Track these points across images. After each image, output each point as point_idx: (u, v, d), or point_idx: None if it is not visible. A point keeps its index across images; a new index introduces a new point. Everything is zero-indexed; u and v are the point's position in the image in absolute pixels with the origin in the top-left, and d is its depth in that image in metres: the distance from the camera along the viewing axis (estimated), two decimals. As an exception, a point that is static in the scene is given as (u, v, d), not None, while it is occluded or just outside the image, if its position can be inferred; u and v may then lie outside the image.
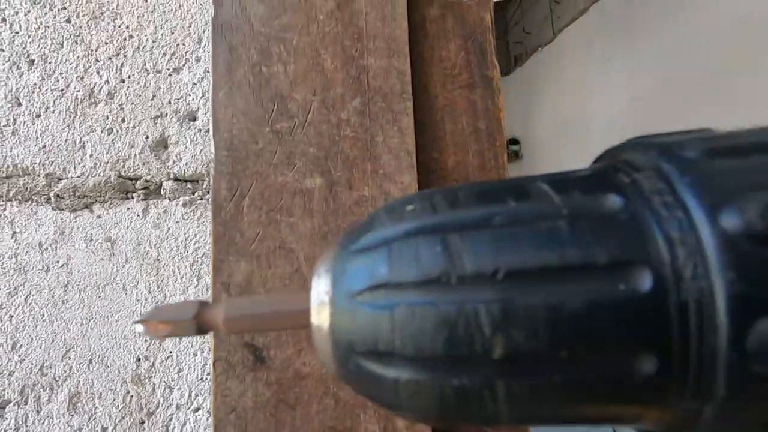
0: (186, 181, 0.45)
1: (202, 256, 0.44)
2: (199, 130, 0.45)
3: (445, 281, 0.12)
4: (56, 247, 0.41)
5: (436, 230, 0.13)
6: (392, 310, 0.13)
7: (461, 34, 0.32)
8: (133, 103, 0.44)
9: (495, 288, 0.12)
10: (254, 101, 0.31)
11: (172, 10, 0.46)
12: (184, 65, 0.45)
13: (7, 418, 0.39)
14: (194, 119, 0.45)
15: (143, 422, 0.41)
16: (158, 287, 0.43)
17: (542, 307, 0.12)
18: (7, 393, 0.39)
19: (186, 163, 0.45)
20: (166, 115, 0.45)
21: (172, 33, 0.46)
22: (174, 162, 0.45)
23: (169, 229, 0.44)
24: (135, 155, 0.44)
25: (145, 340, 0.42)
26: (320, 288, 0.14)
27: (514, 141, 3.06)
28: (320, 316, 0.14)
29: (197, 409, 0.42)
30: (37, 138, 0.42)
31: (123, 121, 0.44)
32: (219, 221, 0.30)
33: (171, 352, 0.42)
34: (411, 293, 0.13)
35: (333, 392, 0.29)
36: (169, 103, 0.45)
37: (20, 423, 0.39)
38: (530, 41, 3.07)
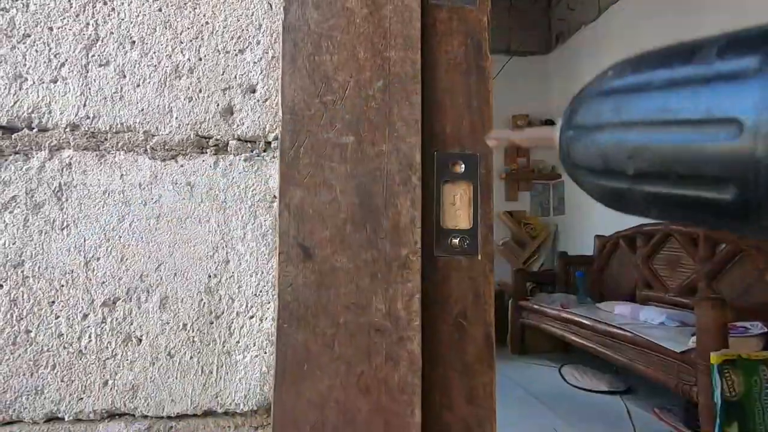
0: (247, 141, 0.57)
1: (258, 201, 0.56)
2: (258, 100, 0.57)
3: (615, 123, 0.21)
4: (151, 188, 0.54)
5: (612, 92, 0.22)
6: (596, 141, 0.22)
7: (463, 32, 0.42)
8: (207, 78, 0.56)
9: (638, 131, 0.20)
10: (309, 81, 0.42)
11: (238, 0, 0.57)
12: (247, 47, 0.56)
13: (117, 310, 0.53)
14: (254, 91, 0.57)
15: (212, 322, 0.55)
16: (224, 222, 0.55)
17: (668, 147, 0.19)
18: (117, 292, 0.53)
19: (247, 127, 0.56)
20: (232, 87, 0.56)
21: (238, 20, 0.57)
22: (237, 125, 0.56)
23: (233, 178, 0.56)
24: (208, 119, 0.56)
25: (214, 262, 0.55)
26: (561, 122, 0.24)
27: (549, 122, 3.05)
28: (558, 139, 0.25)
29: (252, 317, 0.55)
30: (137, 103, 0.55)
31: (200, 91, 0.56)
32: (284, 163, 0.42)
33: (233, 273, 0.55)
34: (599, 132, 0.22)
35: (356, 281, 0.40)
36: (235, 78, 0.56)
37: (126, 314, 0.53)
38: (574, 18, 3.00)
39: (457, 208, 0.44)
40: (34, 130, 0.53)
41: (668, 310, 3.20)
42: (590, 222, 4.29)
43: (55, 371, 0.52)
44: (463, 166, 0.44)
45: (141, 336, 0.53)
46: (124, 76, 0.55)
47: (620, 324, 3.02)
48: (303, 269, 0.41)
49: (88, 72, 0.54)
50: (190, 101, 0.55)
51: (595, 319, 3.22)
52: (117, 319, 0.53)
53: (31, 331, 0.52)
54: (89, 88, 0.54)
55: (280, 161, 0.42)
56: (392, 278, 0.41)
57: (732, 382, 2.28)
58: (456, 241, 0.44)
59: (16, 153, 0.53)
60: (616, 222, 3.82)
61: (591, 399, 3.20)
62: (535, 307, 4.00)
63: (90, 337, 0.53)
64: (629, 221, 3.59)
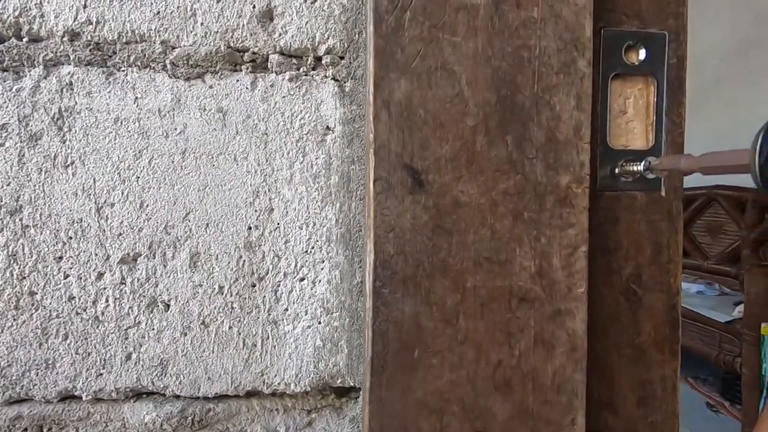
0: (291, 56, 0.44)
1: (308, 133, 0.44)
2: (305, 0, 0.43)
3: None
4: (173, 115, 0.43)
5: None
6: None
7: None
8: (240, -31, 0.43)
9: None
10: None
11: None
12: (290, -73, 0.42)
13: (139, 269, 0.43)
14: (299, -11, 0.43)
15: (254, 285, 0.44)
16: (266, 160, 0.43)
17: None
18: (138, 247, 0.43)
19: (292, 36, 0.43)
20: (272, -17, 0.43)
21: None
22: (280, 35, 0.43)
23: (276, 103, 0.43)
24: (243, 25, 0.43)
25: (255, 210, 0.43)
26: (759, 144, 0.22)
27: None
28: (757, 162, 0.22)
29: (302, 279, 0.44)
30: (152, 3, 0.42)
31: (230, -12, 0.43)
32: (380, 33, 0.29)
33: (278, 224, 0.44)
34: None
35: (490, 223, 0.28)
36: (275, -30, 0.43)
37: (150, 274, 0.43)
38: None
39: (630, 118, 0.31)
40: (24, 40, 0.42)
41: (705, 280, 3.04)
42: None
43: (68, 341, 0.43)
44: (643, 51, 0.30)
45: (169, 300, 0.43)
46: (134, -32, 0.42)
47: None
48: (412, 205, 0.28)
49: (87, -38, 0.41)
50: (218, 2, 0.43)
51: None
52: (139, 279, 0.43)
53: (36, 293, 0.42)
54: (90, -16, 0.42)
55: (374, 32, 0.28)
56: (546, 220, 0.28)
57: (781, 353, 2.15)
58: (629, 167, 0.31)
59: (3, 70, 0.42)
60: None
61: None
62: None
63: (107, 300, 0.43)
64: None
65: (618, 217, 0.31)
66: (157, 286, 0.43)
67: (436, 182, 0.27)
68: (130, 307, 0.43)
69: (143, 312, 0.43)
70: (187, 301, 0.43)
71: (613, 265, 0.31)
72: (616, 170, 0.32)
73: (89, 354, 0.43)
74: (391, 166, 0.28)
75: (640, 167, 0.30)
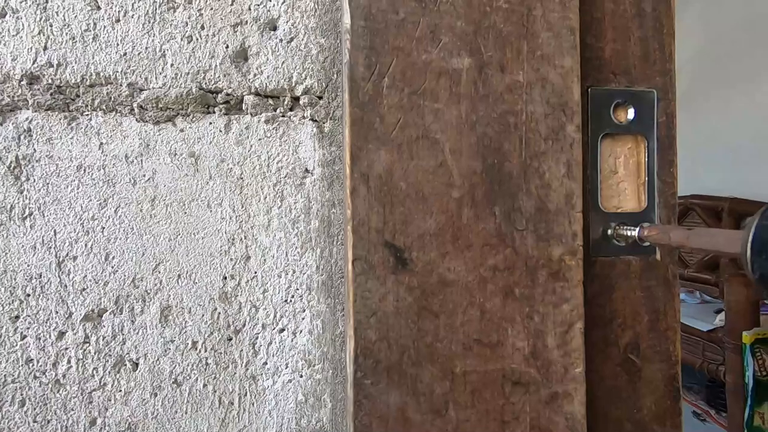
0: (267, 97, 0.42)
1: (285, 177, 0.42)
2: (281, 40, 0.42)
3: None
4: (142, 161, 0.40)
5: None
6: None
7: None
8: (212, 9, 0.41)
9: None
10: None
11: None
12: (264, -35, 0.41)
13: (104, 326, 0.40)
14: (275, 28, 0.42)
15: (230, 339, 0.41)
16: (242, 206, 0.41)
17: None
18: (103, 302, 0.40)
19: (267, 77, 0.42)
20: (246, 22, 0.41)
21: (251, -72, 0.41)
22: (255, 75, 0.42)
23: (251, 146, 0.42)
24: (216, 66, 0.41)
25: (231, 259, 0.41)
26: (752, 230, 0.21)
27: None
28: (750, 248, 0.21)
29: (282, 330, 0.42)
30: (118, 45, 0.40)
31: (202, 28, 0.41)
32: (356, 103, 0.27)
33: (256, 273, 0.41)
34: None
35: (480, 303, 0.26)
36: (249, 9, 0.42)
37: (117, 331, 0.40)
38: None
39: (621, 178, 0.30)
40: (-22, 84, 0.39)
41: (686, 287, 3.10)
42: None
43: (25, 408, 0.39)
44: (632, 110, 0.29)
45: (137, 359, 0.40)
46: (98, 8, 0.40)
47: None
48: (394, 286, 0.26)
49: (48, 2, 0.39)
50: (189, 42, 0.41)
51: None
52: (104, 337, 0.40)
53: (-11, 357, 0.39)
54: (50, 25, 0.39)
55: (349, 101, 0.26)
56: (539, 296, 0.27)
57: (763, 361, 2.20)
58: (623, 231, 0.30)
59: (-45, 116, 0.39)
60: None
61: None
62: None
63: (69, 362, 0.39)
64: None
65: (613, 285, 0.30)
66: (124, 343, 0.40)
67: (420, 260, 0.25)
68: (94, 368, 0.40)
69: (109, 372, 0.40)
70: (158, 359, 0.40)
71: (611, 336, 0.30)
72: (609, 232, 0.31)
73: (49, 421, 0.39)
74: (371, 244, 0.26)
75: (635, 233, 0.29)
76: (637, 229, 0.29)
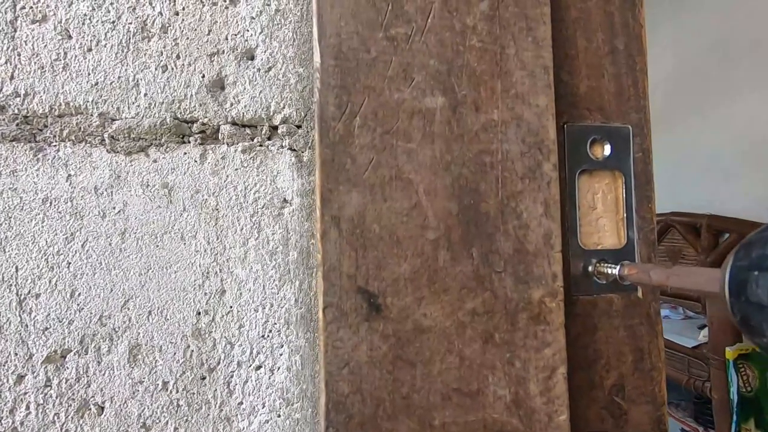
0: (245, 126, 0.41)
1: (263, 207, 0.41)
2: (258, 69, 0.41)
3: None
4: (112, 193, 0.39)
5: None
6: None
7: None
8: (188, 38, 0.41)
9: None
10: (365, 0, 0.27)
11: (227, -67, 0.41)
12: (242, -4, 0.41)
13: (67, 368, 0.38)
14: (252, 58, 0.41)
15: (204, 378, 0.39)
16: (217, 238, 0.40)
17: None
18: (67, 342, 0.38)
19: (244, 106, 0.41)
20: (223, 52, 0.41)
21: (229, -41, 0.41)
22: (231, 104, 0.41)
23: (228, 176, 0.40)
24: (191, 95, 0.40)
25: (205, 293, 0.39)
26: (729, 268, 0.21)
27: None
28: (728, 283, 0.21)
29: (259, 367, 0.40)
30: (89, 74, 0.39)
31: (177, 57, 0.40)
32: (326, 143, 0.26)
33: (231, 307, 0.40)
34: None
35: (458, 349, 0.25)
36: (226, 39, 0.41)
37: (81, 373, 0.38)
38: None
39: (600, 214, 0.30)
40: (-61, 115, 0.37)
41: (669, 303, 3.14)
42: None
43: (-22, 461, 0.36)
44: (608, 146, 0.29)
45: (103, 402, 0.38)
46: (69, 37, 0.39)
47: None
48: (368, 334, 0.25)
49: (16, 31, 0.38)
50: (164, 71, 0.40)
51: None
52: (67, 380, 0.37)
53: (-61, 405, 0.36)
54: (19, 54, 0.38)
55: (319, 141, 0.26)
56: (519, 341, 0.26)
57: (747, 377, 2.22)
58: (603, 269, 0.29)
59: None
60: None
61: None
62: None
63: (28, 407, 0.37)
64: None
65: (596, 324, 0.30)
66: (89, 386, 0.38)
67: (394, 306, 0.24)
68: (56, 414, 0.37)
69: (72, 418, 0.37)
70: (125, 402, 0.38)
71: (595, 378, 0.29)
72: (590, 269, 0.31)
73: (4, 474, 0.36)
74: (343, 290, 0.25)
75: (615, 271, 0.28)
76: (618, 266, 0.28)
